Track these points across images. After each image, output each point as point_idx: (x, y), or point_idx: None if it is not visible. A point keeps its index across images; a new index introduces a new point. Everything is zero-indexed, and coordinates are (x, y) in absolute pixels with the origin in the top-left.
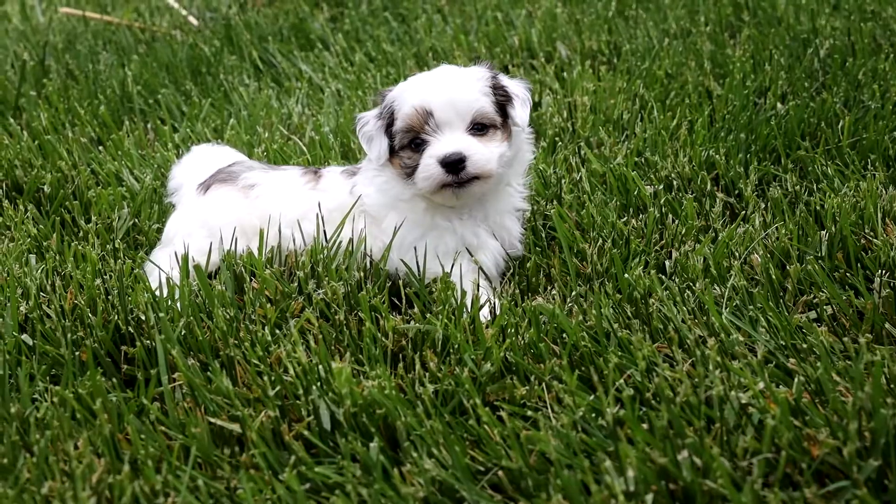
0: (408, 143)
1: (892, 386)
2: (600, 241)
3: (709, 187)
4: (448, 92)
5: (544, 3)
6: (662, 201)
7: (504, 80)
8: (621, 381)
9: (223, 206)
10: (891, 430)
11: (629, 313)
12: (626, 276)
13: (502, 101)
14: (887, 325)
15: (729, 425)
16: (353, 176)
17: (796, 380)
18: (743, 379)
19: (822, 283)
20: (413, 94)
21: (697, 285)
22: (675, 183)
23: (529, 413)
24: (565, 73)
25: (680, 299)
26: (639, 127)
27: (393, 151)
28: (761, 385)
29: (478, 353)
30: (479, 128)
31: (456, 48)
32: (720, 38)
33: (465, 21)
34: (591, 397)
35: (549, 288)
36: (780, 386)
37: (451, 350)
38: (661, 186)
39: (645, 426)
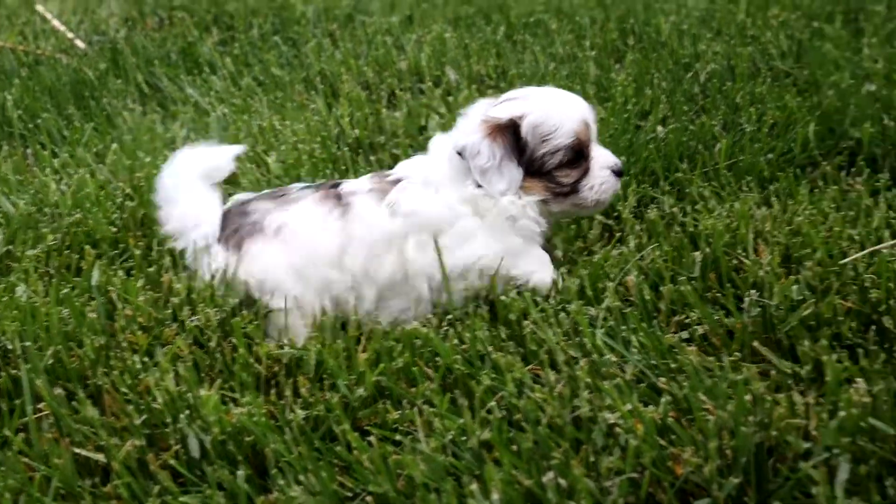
0: (568, 160)
1: (756, 404)
2: None
3: None
4: (586, 106)
5: (434, 28)
6: None
7: None
8: (493, 403)
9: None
10: (751, 449)
11: (504, 336)
12: (501, 298)
13: None
14: (756, 344)
15: (597, 446)
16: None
17: (663, 399)
18: (610, 399)
19: (693, 304)
20: (571, 109)
21: (572, 306)
22: None
23: (399, 437)
24: (451, 97)
25: (554, 321)
26: None
27: (528, 175)
28: (630, 405)
29: (351, 378)
30: None
31: (345, 72)
32: (606, 63)
33: (355, 45)
34: (462, 420)
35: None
36: (651, 406)
37: (325, 375)
38: None
39: (515, 448)
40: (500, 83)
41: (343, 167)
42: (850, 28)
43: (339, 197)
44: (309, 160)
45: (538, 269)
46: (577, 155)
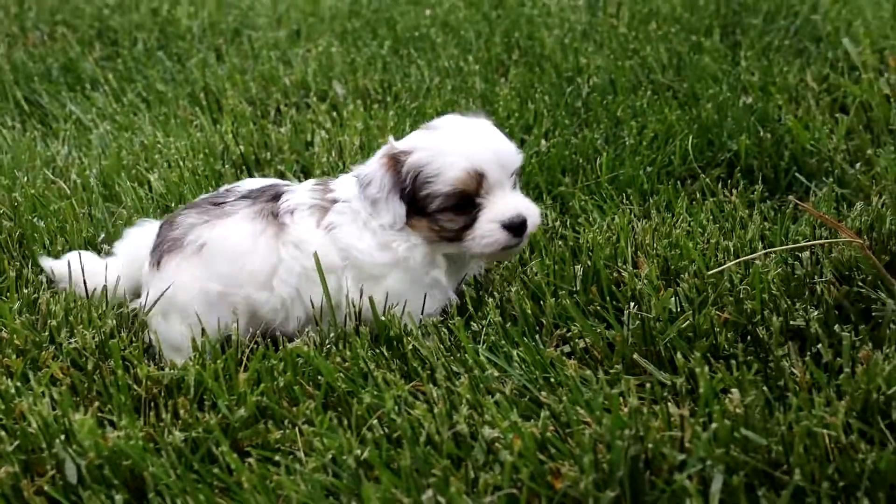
0: (451, 206)
1: (632, 417)
2: None
3: None
4: (495, 150)
5: (321, 43)
6: None
7: None
8: (374, 420)
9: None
10: (627, 462)
11: (386, 353)
12: (381, 317)
13: None
14: (636, 356)
15: (478, 462)
16: (325, 215)
17: (543, 413)
18: (489, 416)
19: (575, 317)
20: (459, 155)
21: (453, 322)
22: None
23: (278, 458)
24: (336, 112)
25: (436, 337)
26: None
27: (415, 213)
28: (510, 420)
29: (231, 399)
30: (514, 181)
31: (231, 88)
32: (491, 77)
33: (241, 60)
34: (342, 439)
35: (307, 330)
36: (532, 420)
37: (206, 396)
38: None
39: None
40: (385, 97)
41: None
42: (728, 41)
43: (274, 214)
44: (192, 177)
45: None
46: (464, 202)
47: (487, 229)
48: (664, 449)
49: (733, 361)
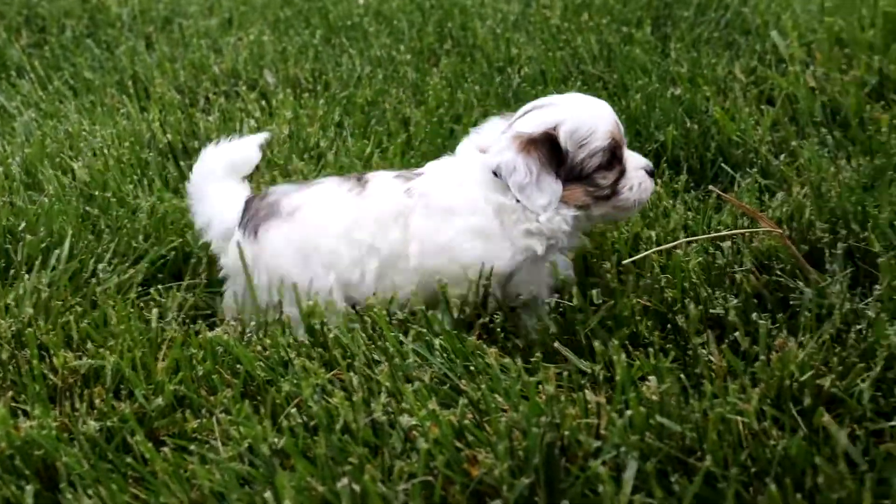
0: (606, 161)
1: (548, 405)
2: None
3: None
4: (610, 108)
5: (253, 31)
6: None
7: None
8: (292, 409)
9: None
10: (542, 449)
11: (308, 341)
12: (303, 304)
13: None
14: (556, 345)
15: (395, 450)
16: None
17: (461, 401)
18: (406, 403)
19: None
20: (599, 113)
21: (375, 310)
22: None
23: (193, 447)
24: (265, 101)
25: (360, 325)
26: (331, 155)
27: (568, 182)
28: (429, 408)
29: (149, 388)
30: None
31: (160, 76)
32: (422, 66)
33: (172, 48)
34: (259, 427)
35: (228, 318)
36: (452, 408)
37: (123, 385)
38: None
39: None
40: (316, 86)
41: (150, 173)
42: (659, 33)
43: (359, 178)
44: (117, 165)
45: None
46: (613, 157)
47: (638, 176)
48: (580, 436)
49: (651, 349)
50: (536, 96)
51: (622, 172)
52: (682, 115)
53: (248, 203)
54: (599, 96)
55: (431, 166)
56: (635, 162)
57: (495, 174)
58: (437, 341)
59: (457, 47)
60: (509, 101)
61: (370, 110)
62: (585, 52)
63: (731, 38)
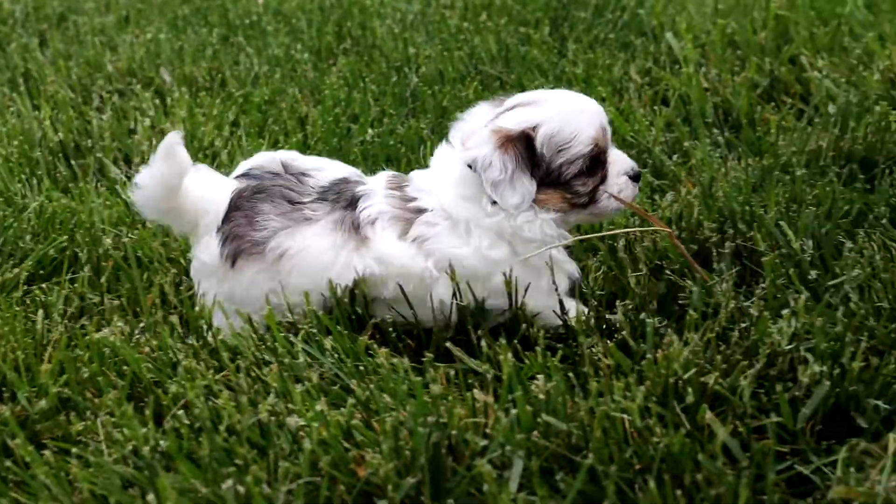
0: (586, 167)
1: (435, 404)
2: (175, 271)
3: None
4: (600, 108)
5: (150, 29)
6: None
7: None
8: (179, 411)
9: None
10: (429, 448)
11: (196, 343)
12: (193, 309)
13: None
14: (448, 344)
15: (284, 451)
16: (409, 225)
17: (349, 401)
18: (292, 404)
19: None
20: (586, 114)
21: (265, 312)
22: None
23: (76, 450)
24: (160, 100)
25: (249, 326)
26: (225, 154)
27: (545, 187)
28: (318, 408)
29: (32, 391)
30: None
31: (54, 73)
32: (320, 66)
33: (66, 46)
34: (144, 429)
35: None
36: (342, 408)
37: (5, 388)
38: None
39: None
40: (213, 85)
41: (39, 172)
42: (557, 34)
43: (355, 227)
44: (5, 164)
45: (550, 303)
46: (595, 161)
47: (619, 184)
48: (467, 435)
49: (538, 348)
50: (433, 96)
51: (603, 178)
52: None
53: (234, 203)
54: (496, 95)
55: (421, 185)
56: (619, 166)
57: (470, 167)
58: (327, 341)
59: (356, 46)
60: (406, 101)
61: (267, 109)
62: (484, 53)
63: (627, 40)
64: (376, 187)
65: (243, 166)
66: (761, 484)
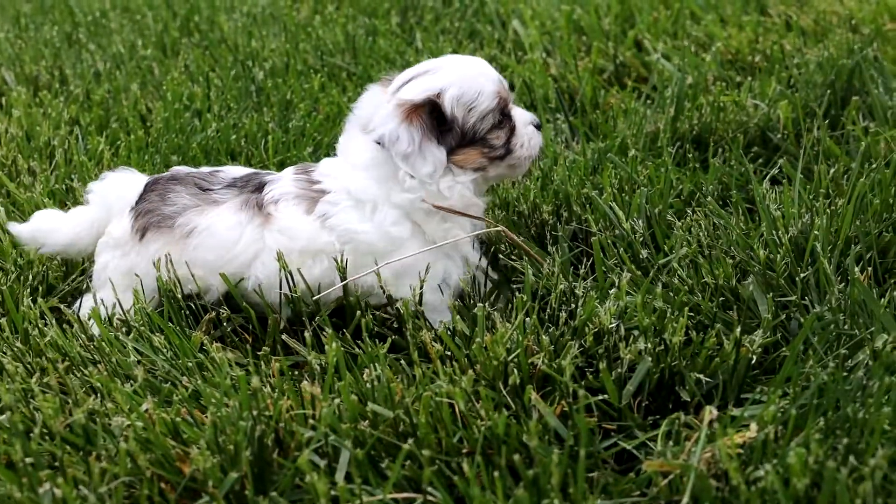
0: (497, 121)
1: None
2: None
3: None
4: (489, 66)
5: None
6: None
7: None
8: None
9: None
10: (254, 442)
11: (21, 346)
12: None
13: None
14: (285, 337)
15: (109, 452)
16: (314, 205)
17: (175, 397)
18: (111, 403)
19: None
20: (483, 72)
21: (91, 311)
22: None
23: None
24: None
25: (71, 332)
26: (60, 154)
27: (461, 147)
28: (143, 407)
29: None
30: None
31: None
32: (166, 61)
33: None
34: None
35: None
36: (172, 406)
37: None
38: None
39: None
40: (54, 83)
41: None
42: (405, 24)
43: (259, 205)
44: None
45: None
46: (503, 115)
47: (528, 132)
48: (294, 427)
49: (365, 337)
50: (277, 89)
51: (513, 130)
52: None
53: (149, 186)
54: (343, 88)
55: (328, 171)
56: (523, 118)
57: (379, 144)
58: (156, 338)
59: (203, 41)
60: (252, 95)
61: (110, 107)
62: (332, 44)
63: (475, 28)
64: (283, 174)
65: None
66: (589, 461)
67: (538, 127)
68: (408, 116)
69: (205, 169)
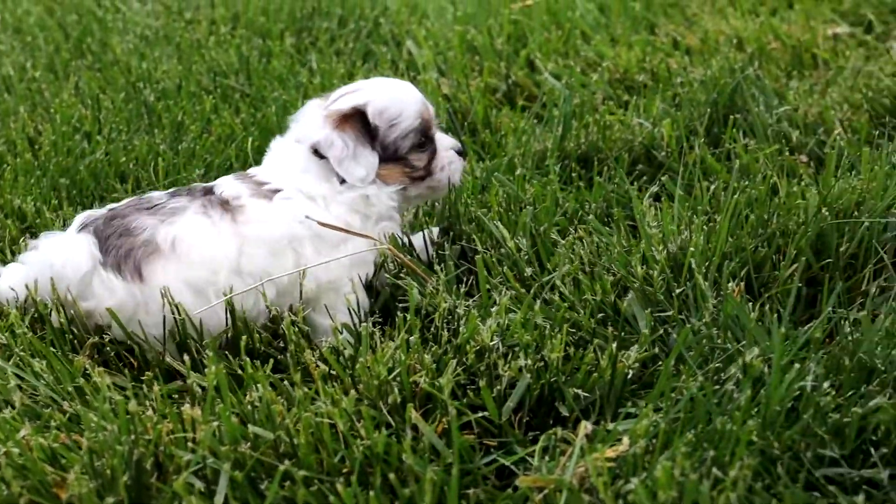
0: (417, 144)
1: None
2: None
3: None
4: (417, 90)
5: None
6: None
7: None
8: None
9: None
10: (132, 466)
11: None
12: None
13: None
14: (168, 359)
15: None
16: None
17: (53, 423)
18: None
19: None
20: (408, 92)
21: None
22: None
23: None
24: None
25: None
26: None
27: (385, 162)
28: (20, 434)
29: None
30: None
31: None
32: (57, 84)
33: None
34: None
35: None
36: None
37: None
38: None
39: None
40: None
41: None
42: (300, 45)
43: (222, 203)
44: None
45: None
46: (424, 137)
47: (449, 156)
48: (174, 450)
49: (247, 359)
50: (170, 110)
51: (434, 153)
52: None
53: (98, 236)
54: (237, 109)
55: (267, 175)
56: (446, 143)
57: (315, 152)
58: (36, 363)
59: (96, 63)
60: (143, 116)
61: None
62: (225, 66)
63: (369, 49)
64: (223, 181)
65: (76, 223)
66: (468, 478)
67: (461, 153)
68: (339, 125)
69: (125, 201)
